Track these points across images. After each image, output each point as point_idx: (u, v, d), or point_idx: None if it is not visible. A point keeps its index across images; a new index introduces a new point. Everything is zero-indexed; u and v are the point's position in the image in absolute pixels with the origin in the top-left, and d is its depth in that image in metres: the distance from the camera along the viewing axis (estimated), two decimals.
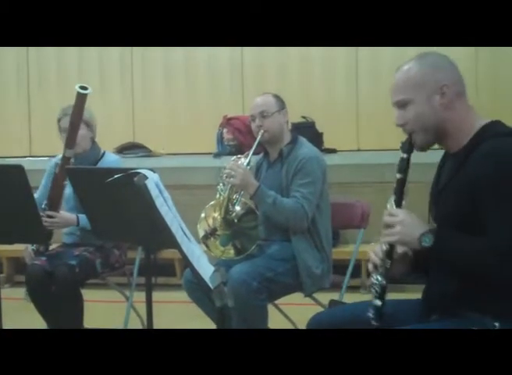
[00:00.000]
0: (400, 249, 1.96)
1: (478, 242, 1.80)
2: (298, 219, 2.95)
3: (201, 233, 3.05)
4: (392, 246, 1.92)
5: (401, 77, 1.94)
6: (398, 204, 1.91)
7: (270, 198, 2.95)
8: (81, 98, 3.09)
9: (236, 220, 3.05)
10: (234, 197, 3.06)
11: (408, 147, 1.93)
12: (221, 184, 3.07)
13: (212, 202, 3.09)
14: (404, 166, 1.93)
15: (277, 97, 3.17)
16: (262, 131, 3.07)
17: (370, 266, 1.98)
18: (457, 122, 1.92)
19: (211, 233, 3.05)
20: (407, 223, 1.84)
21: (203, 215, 3.08)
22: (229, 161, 3.13)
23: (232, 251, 3.05)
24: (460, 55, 5.14)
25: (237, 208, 3.05)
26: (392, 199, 1.93)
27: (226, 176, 2.99)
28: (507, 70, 5.47)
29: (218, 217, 3.05)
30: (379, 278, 1.93)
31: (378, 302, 1.92)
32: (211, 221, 3.06)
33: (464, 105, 1.94)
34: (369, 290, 1.96)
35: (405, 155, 1.93)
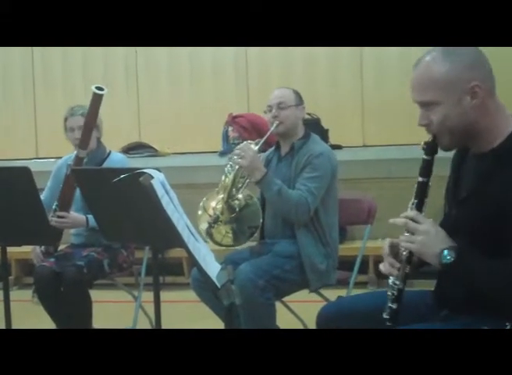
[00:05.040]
0: None
1: (504, 264, 1.68)
2: (300, 212, 2.94)
3: (205, 226, 3.02)
4: (412, 252, 1.82)
5: (427, 75, 1.76)
6: (419, 208, 1.81)
7: (276, 186, 2.94)
8: (97, 99, 3.10)
9: (237, 209, 3.03)
10: (239, 181, 3.04)
11: (432, 149, 1.80)
12: (228, 165, 3.05)
13: (204, 200, 3.07)
14: (427, 169, 1.81)
15: (296, 92, 3.16)
16: (277, 122, 3.06)
17: (382, 268, 1.91)
18: (488, 123, 1.77)
19: (215, 222, 3.03)
20: (430, 235, 1.74)
21: (200, 212, 3.05)
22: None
23: (230, 235, 3.02)
24: None
25: (240, 196, 3.05)
26: (412, 202, 1.82)
27: (235, 156, 2.97)
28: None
29: (219, 206, 3.02)
30: (397, 282, 1.86)
31: (395, 306, 1.86)
32: (211, 211, 3.04)
33: (495, 103, 1.79)
34: (375, 286, 1.93)
35: (428, 157, 1.80)
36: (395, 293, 1.87)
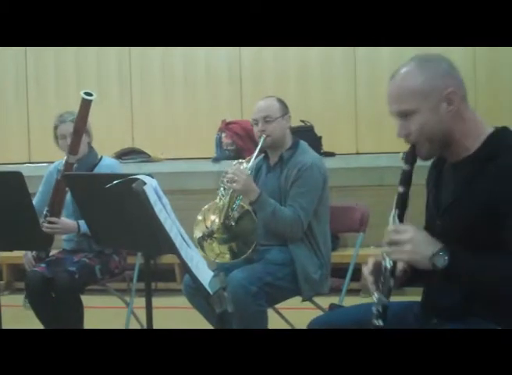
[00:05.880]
0: (400, 265, 1.87)
1: (504, 257, 1.70)
2: (294, 230, 2.96)
3: (198, 235, 3.03)
4: (395, 264, 1.82)
5: (403, 85, 1.81)
6: (401, 218, 1.81)
7: (270, 206, 2.94)
8: (86, 104, 3.10)
9: (233, 223, 3.03)
10: (234, 202, 3.04)
11: (412, 158, 1.82)
12: (222, 189, 3.05)
13: (208, 206, 3.07)
14: (407, 179, 1.82)
15: (281, 101, 3.14)
16: (264, 136, 3.04)
17: (370, 285, 1.88)
18: (464, 129, 1.81)
19: (208, 236, 3.03)
20: (417, 242, 1.73)
21: (200, 217, 3.06)
22: (228, 165, 3.11)
23: (227, 256, 3.03)
24: (459, 55, 5.17)
25: (235, 213, 3.05)
26: (394, 213, 1.82)
27: (228, 181, 2.96)
28: (506, 70, 5.49)
29: (217, 221, 3.03)
30: (382, 298, 1.82)
31: (381, 323, 1.80)
32: (209, 223, 3.05)
33: (469, 110, 1.84)
34: (368, 293, 1.89)
35: (408, 167, 1.82)
36: (380, 309, 1.83)
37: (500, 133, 1.83)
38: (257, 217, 3.01)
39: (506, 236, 1.71)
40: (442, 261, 1.70)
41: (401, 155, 1.85)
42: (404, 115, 1.82)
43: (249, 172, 3.01)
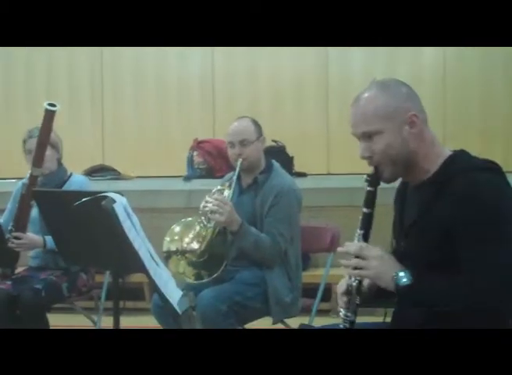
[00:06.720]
0: (365, 281, 1.91)
1: (457, 281, 1.74)
2: (274, 257, 2.96)
3: (171, 248, 2.96)
4: (361, 282, 1.87)
5: (369, 107, 1.87)
6: (365, 239, 1.86)
7: (252, 236, 2.91)
8: (49, 115, 3.07)
9: (206, 248, 2.98)
10: (217, 232, 2.98)
11: (376, 180, 1.88)
12: (203, 218, 2.96)
13: (182, 227, 3.01)
14: (372, 200, 1.87)
15: (255, 123, 3.11)
16: (241, 160, 3.02)
17: (340, 302, 1.92)
18: (426, 152, 1.87)
19: (181, 253, 2.98)
20: (384, 259, 1.79)
21: (176, 237, 2.99)
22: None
23: (190, 280, 2.93)
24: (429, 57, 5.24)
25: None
26: (358, 234, 1.87)
27: (211, 212, 2.89)
28: (473, 71, 5.58)
29: (194, 246, 2.96)
30: (349, 314, 1.88)
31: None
32: (185, 244, 2.99)
33: (430, 133, 1.90)
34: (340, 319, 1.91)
35: (372, 189, 1.87)
36: (347, 326, 1.88)
37: (457, 156, 1.89)
38: (230, 238, 2.97)
39: (462, 259, 1.74)
40: (405, 280, 1.75)
41: (364, 177, 1.90)
42: (369, 136, 1.88)
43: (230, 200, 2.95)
